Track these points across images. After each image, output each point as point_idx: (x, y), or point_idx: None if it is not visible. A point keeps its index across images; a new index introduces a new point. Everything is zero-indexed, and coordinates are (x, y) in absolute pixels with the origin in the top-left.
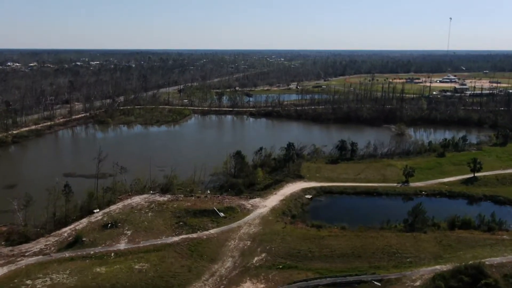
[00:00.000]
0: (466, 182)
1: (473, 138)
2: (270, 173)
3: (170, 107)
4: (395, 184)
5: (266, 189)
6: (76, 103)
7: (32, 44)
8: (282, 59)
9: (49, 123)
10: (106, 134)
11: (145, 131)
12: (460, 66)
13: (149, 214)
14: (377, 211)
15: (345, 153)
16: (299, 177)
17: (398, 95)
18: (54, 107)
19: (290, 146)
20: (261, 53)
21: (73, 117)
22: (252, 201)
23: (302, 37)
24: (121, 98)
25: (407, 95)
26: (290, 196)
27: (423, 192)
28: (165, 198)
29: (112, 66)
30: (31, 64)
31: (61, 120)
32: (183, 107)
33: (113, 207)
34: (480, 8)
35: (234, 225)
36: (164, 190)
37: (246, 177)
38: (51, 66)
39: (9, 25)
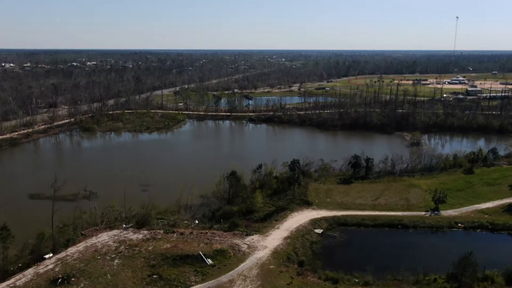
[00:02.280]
0: (509, 209)
1: (499, 148)
2: (271, 196)
3: (163, 111)
4: (423, 213)
5: (266, 220)
6: (64, 107)
7: (31, 45)
8: (283, 60)
9: (27, 131)
10: (89, 143)
11: (133, 140)
12: (467, 66)
13: (116, 261)
14: (406, 252)
15: (358, 170)
16: (306, 203)
17: (410, 98)
18: (39, 111)
19: (294, 163)
20: (261, 53)
21: (56, 123)
22: (248, 239)
23: (303, 37)
24: (112, 102)
25: (419, 99)
26: (296, 231)
27: (460, 224)
28: (140, 236)
29: (109, 66)
30: (26, 65)
31: (42, 127)
32: (177, 112)
33: (71, 250)
34: (482, 8)
35: (224, 278)
36: (140, 223)
37: (243, 202)
38: (46, 66)
39: (9, 25)
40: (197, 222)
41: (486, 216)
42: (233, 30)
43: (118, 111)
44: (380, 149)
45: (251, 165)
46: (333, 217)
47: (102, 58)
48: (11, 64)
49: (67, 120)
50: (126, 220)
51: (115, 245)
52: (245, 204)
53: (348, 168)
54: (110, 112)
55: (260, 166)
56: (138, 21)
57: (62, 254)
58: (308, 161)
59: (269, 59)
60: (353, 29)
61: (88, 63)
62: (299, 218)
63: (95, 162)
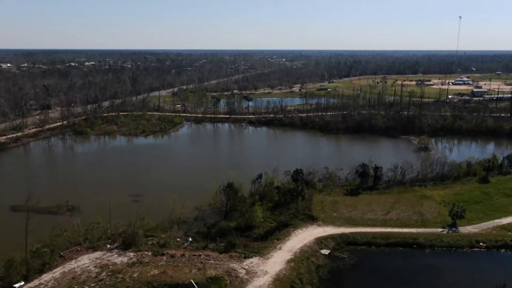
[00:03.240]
0: None
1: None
2: (272, 209)
3: (160, 113)
4: (439, 230)
5: (267, 238)
6: (58, 109)
7: (31, 45)
8: (284, 60)
9: (16, 135)
10: (80, 148)
11: (127, 144)
12: (470, 67)
13: None
14: (423, 277)
15: (366, 180)
16: (311, 219)
17: (415, 100)
18: (32, 113)
19: (297, 173)
20: (262, 53)
21: (47, 126)
22: (247, 262)
23: (303, 37)
24: (107, 103)
25: (424, 100)
26: (301, 252)
27: (482, 244)
28: (125, 259)
29: (107, 67)
30: (23, 65)
31: (32, 130)
32: (174, 114)
33: (46, 277)
34: (482, 7)
35: None
36: (126, 243)
37: (241, 216)
38: (43, 67)
39: (9, 25)
40: (190, 239)
41: (509, 233)
42: (233, 30)
43: (113, 113)
44: (387, 155)
45: (250, 173)
46: (341, 235)
47: (101, 58)
48: (8, 64)
49: (59, 123)
50: (111, 239)
51: (96, 270)
52: (243, 219)
53: (355, 177)
54: (105, 115)
55: (260, 176)
56: (138, 21)
57: (35, 282)
58: (311, 169)
59: (269, 59)
60: (353, 29)
61: (87, 63)
62: (303, 237)
63: (85, 169)
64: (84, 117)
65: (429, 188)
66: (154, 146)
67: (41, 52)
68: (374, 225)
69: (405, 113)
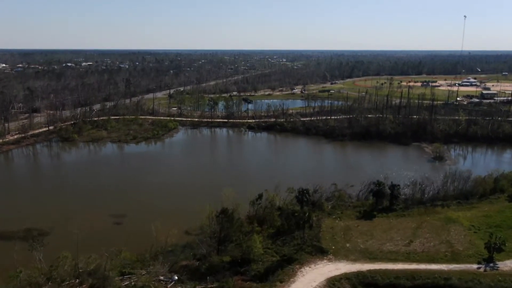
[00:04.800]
0: None
1: None
2: (274, 237)
3: (154, 117)
4: (474, 266)
5: (267, 278)
6: (49, 112)
7: (30, 45)
8: (284, 60)
9: None
10: (64, 157)
11: (116, 152)
12: (475, 67)
13: None
14: None
15: (381, 200)
16: (320, 251)
17: (425, 102)
18: (19, 117)
19: (303, 194)
20: (262, 53)
21: (32, 132)
22: None
23: (303, 37)
24: (98, 106)
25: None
26: None
27: None
28: None
29: (104, 67)
30: (19, 65)
31: (15, 136)
32: (169, 118)
33: None
34: (482, 7)
35: None
36: None
37: (237, 247)
38: (38, 67)
39: (8, 25)
40: (176, 278)
41: None
42: (233, 30)
43: (105, 117)
44: (399, 165)
45: (249, 190)
46: (357, 274)
47: (100, 59)
48: (4, 65)
49: (45, 129)
50: (79, 280)
51: None
52: (240, 250)
53: (368, 195)
54: (95, 119)
55: (260, 197)
56: (138, 21)
57: None
58: (318, 187)
59: (269, 59)
60: (353, 29)
61: (83, 63)
62: (312, 277)
63: (63, 183)
64: (72, 122)
65: (453, 209)
66: (145, 155)
67: (39, 52)
68: (395, 260)
69: (415, 117)
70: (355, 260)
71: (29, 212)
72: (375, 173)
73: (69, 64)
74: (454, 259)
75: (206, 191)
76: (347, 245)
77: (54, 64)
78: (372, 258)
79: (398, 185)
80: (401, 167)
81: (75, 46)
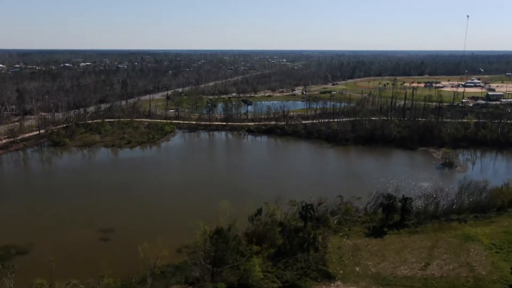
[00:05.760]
0: None
1: None
2: (274, 257)
3: (150, 120)
4: None
5: None
6: (43, 114)
7: (30, 45)
8: (284, 60)
9: None
10: (54, 163)
11: (109, 158)
12: (477, 67)
13: None
14: None
15: (391, 215)
16: (327, 277)
17: (430, 104)
18: (12, 119)
19: (307, 210)
20: (262, 54)
21: (22, 136)
22: None
23: (304, 37)
24: (93, 108)
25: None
26: None
27: None
28: None
29: (102, 67)
30: (16, 66)
31: (4, 141)
32: (166, 121)
33: None
34: (482, 7)
35: None
36: None
37: (233, 271)
38: (36, 67)
39: (9, 25)
40: None
41: None
42: (233, 30)
43: (99, 120)
44: (406, 172)
45: (248, 200)
46: None
47: (99, 59)
48: (1, 65)
49: (36, 132)
50: None
51: None
52: (237, 273)
53: (376, 207)
54: (89, 122)
55: (259, 212)
56: (138, 21)
57: None
58: (322, 199)
59: (269, 59)
60: (353, 29)
61: (82, 64)
62: None
63: (48, 193)
64: (65, 125)
65: (471, 224)
66: (139, 161)
67: (37, 52)
68: (411, 287)
69: (422, 120)
70: (366, 287)
71: (9, 226)
72: (383, 182)
73: (67, 65)
74: (477, 285)
75: (202, 202)
76: (357, 268)
77: (52, 64)
78: (385, 284)
79: (410, 198)
80: (409, 175)
81: (74, 46)
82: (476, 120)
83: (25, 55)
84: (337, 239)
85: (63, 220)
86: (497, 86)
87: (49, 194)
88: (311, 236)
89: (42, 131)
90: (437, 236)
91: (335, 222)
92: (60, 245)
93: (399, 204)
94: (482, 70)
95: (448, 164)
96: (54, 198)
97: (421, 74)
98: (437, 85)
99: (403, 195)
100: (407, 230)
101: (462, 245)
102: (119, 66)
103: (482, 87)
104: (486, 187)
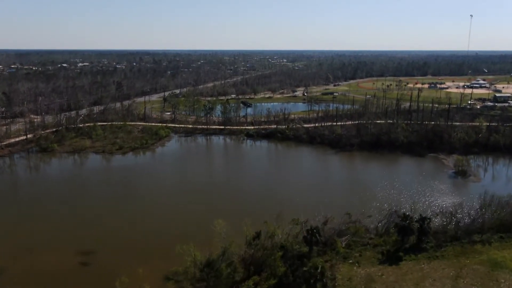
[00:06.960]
0: None
1: None
2: None
3: (145, 124)
4: None
5: None
6: (35, 117)
7: (29, 45)
8: (285, 60)
9: None
10: (39, 171)
11: (98, 165)
12: (481, 67)
13: None
14: None
15: (407, 237)
16: None
17: (437, 106)
18: (1, 122)
19: (312, 234)
20: (262, 54)
21: (8, 141)
22: None
23: (304, 37)
24: (85, 111)
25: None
26: None
27: None
28: None
29: (99, 68)
30: (12, 66)
31: None
32: (161, 125)
33: None
34: (482, 7)
35: None
36: None
37: None
38: (32, 68)
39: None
40: None
41: None
42: (233, 30)
43: (90, 124)
44: (416, 181)
45: (245, 216)
46: None
47: (98, 59)
48: None
49: (23, 137)
50: None
51: None
52: None
53: (387, 224)
54: (81, 125)
55: (258, 235)
56: (137, 21)
57: None
58: (328, 217)
59: (270, 59)
60: (354, 29)
61: (79, 64)
62: None
63: (29, 208)
64: (54, 129)
65: (496, 246)
66: (130, 169)
67: (35, 53)
68: None
69: (429, 123)
70: None
71: None
72: (393, 195)
73: (64, 65)
74: None
75: (196, 218)
76: None
77: (49, 64)
78: None
79: (429, 218)
80: (421, 186)
81: (74, 46)
82: (488, 124)
83: (23, 56)
84: (346, 268)
85: (41, 238)
86: (503, 87)
87: (28, 208)
88: (318, 270)
89: (29, 135)
90: (460, 263)
91: (344, 245)
92: (32, 270)
93: (416, 224)
94: (486, 71)
95: (462, 173)
96: (33, 213)
97: (424, 74)
98: (442, 86)
99: (420, 215)
100: (425, 255)
101: (490, 274)
102: (117, 66)
103: (487, 88)
104: (510, 202)
